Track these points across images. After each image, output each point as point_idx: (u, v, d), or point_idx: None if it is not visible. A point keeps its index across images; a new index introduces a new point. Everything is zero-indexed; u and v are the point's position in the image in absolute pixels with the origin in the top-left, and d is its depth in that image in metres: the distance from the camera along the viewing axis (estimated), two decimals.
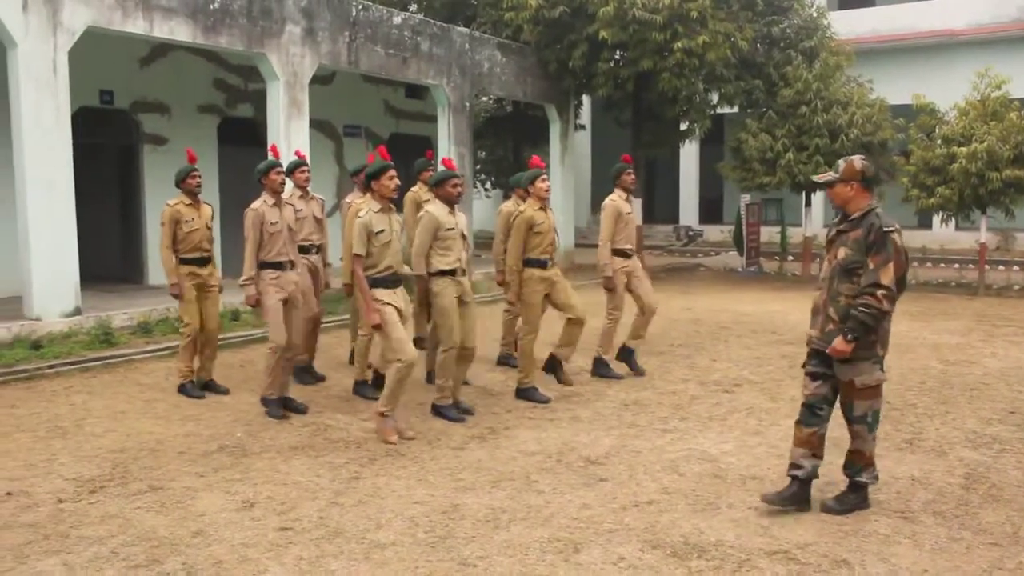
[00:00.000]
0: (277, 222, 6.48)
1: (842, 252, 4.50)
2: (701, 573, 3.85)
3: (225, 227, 11.07)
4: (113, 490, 4.84)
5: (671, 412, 6.64)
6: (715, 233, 24.63)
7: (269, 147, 7.33)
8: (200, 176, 7.03)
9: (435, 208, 6.30)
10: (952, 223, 18.64)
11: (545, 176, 7.02)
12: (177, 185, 7.04)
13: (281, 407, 6.42)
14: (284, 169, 6.71)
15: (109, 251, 12.93)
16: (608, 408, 6.79)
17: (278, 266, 6.48)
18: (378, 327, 5.75)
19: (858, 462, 4.67)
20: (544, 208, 7.02)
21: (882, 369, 4.56)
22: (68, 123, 9.17)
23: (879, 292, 4.31)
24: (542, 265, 7.02)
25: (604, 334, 7.85)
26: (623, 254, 7.70)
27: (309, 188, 7.51)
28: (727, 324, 10.85)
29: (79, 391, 7.14)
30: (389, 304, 5.80)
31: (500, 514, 4.51)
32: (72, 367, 7.85)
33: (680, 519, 4.48)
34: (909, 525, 4.42)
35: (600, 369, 7.83)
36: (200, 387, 7.09)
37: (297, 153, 7.76)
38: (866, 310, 4.32)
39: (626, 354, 7.94)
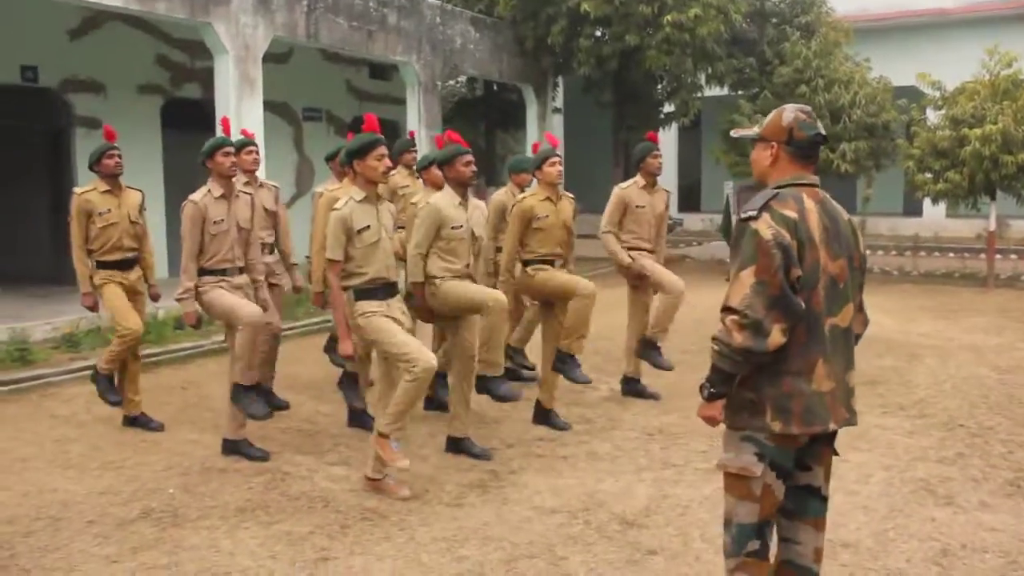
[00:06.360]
0: (222, 219, 5.11)
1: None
2: None
3: (171, 222, 9.77)
4: None
5: (709, 444, 5.44)
6: (695, 222, 23.57)
7: (220, 120, 5.92)
8: (119, 155, 5.68)
9: (440, 199, 5.00)
10: (943, 210, 17.78)
11: (557, 158, 5.75)
12: (91, 168, 5.70)
13: (264, 402, 5.15)
14: (234, 149, 5.36)
15: (35, 249, 11.46)
16: (630, 439, 5.59)
17: (223, 273, 5.14)
18: (350, 358, 4.48)
19: None
20: (553, 198, 5.77)
21: (760, 455, 2.71)
22: None
23: (727, 318, 2.65)
24: (549, 265, 5.78)
25: (628, 349, 6.63)
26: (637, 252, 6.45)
27: (259, 173, 6.20)
28: None
29: None
30: (375, 312, 4.49)
31: None
32: None
33: None
34: None
35: (632, 387, 6.69)
36: (127, 423, 5.79)
37: (244, 132, 6.41)
38: (715, 348, 2.68)
39: (646, 346, 6.52)
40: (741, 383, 2.70)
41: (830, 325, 2.72)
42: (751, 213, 2.68)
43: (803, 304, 2.64)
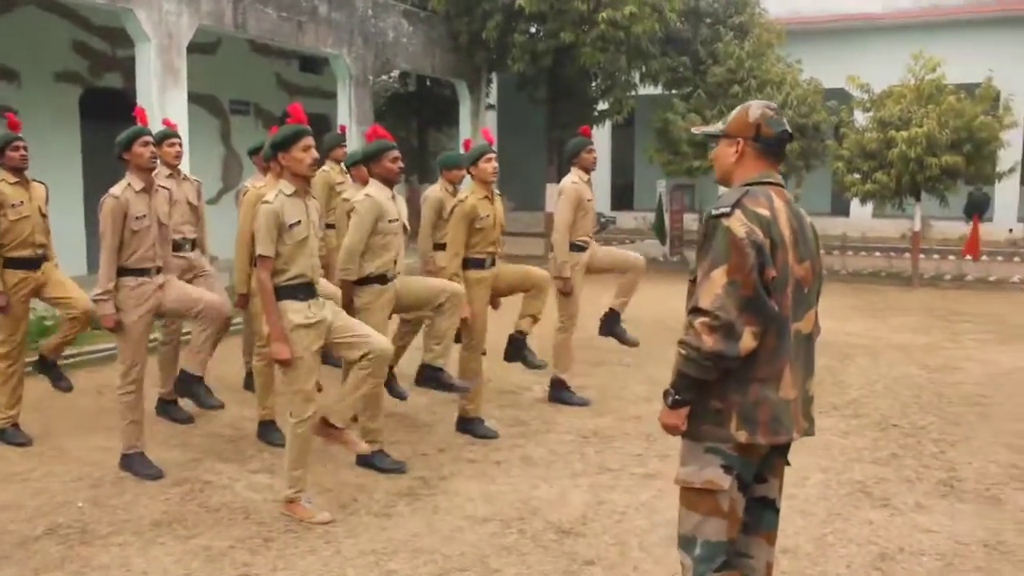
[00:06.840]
0: (144, 215, 4.79)
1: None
2: None
3: (90, 217, 9.33)
4: None
5: (644, 447, 5.36)
6: (628, 220, 23.68)
7: (134, 111, 5.54)
8: (25, 147, 5.32)
9: (377, 192, 4.79)
10: (869, 210, 18.06)
11: (492, 154, 5.59)
12: None
13: (150, 465, 4.79)
14: (154, 140, 5.04)
15: None
16: (565, 443, 5.47)
17: (143, 273, 4.82)
18: (285, 363, 4.21)
19: None
20: (490, 196, 5.60)
21: (726, 467, 2.59)
22: None
23: (697, 321, 2.49)
24: (480, 265, 5.61)
25: (558, 349, 6.46)
26: (579, 247, 6.35)
27: (183, 167, 5.90)
28: (671, 324, 9.66)
29: None
30: (306, 326, 4.14)
31: None
32: None
33: None
34: None
35: (559, 393, 6.45)
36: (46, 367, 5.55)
37: (165, 121, 6.08)
38: (683, 352, 2.52)
39: (612, 322, 6.70)
40: (706, 390, 2.55)
41: (794, 331, 2.61)
42: (723, 210, 2.52)
43: (776, 306, 2.53)
